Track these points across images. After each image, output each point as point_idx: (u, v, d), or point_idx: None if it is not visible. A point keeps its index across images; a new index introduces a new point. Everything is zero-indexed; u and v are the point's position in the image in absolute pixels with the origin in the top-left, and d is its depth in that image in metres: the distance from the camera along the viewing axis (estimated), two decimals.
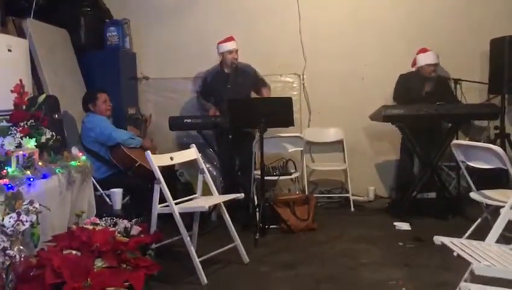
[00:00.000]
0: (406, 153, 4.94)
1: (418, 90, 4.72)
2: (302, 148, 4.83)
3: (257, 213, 4.25)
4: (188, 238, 3.27)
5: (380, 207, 5.02)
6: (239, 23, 5.31)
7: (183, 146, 5.12)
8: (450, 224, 4.30)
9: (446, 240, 2.34)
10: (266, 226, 4.20)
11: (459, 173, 4.75)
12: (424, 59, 4.78)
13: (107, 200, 3.89)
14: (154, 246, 3.27)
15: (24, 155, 2.77)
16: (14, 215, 2.11)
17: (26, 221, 2.14)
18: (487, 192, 3.44)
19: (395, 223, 4.32)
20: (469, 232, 3.45)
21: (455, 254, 3.26)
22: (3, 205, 2.24)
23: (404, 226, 4.27)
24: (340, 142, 5.34)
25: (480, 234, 3.20)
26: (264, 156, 4.27)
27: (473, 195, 3.46)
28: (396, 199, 5.08)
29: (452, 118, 4.48)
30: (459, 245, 2.32)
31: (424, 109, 4.34)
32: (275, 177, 4.74)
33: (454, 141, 3.60)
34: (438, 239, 2.37)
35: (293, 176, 4.88)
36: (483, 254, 2.21)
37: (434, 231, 3.79)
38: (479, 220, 3.49)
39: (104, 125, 4.25)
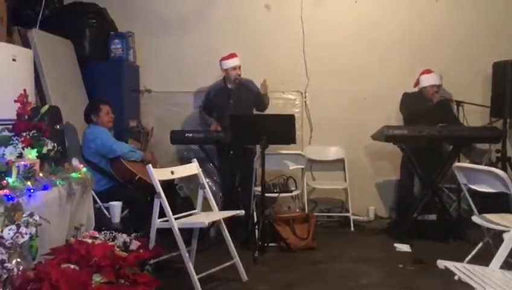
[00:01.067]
0: (406, 173, 4.93)
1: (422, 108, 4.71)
2: (303, 166, 4.81)
3: (256, 230, 4.21)
4: (187, 255, 3.23)
5: (380, 227, 4.99)
6: (242, 40, 5.33)
7: (184, 160, 5.11)
8: (451, 247, 4.27)
9: (449, 265, 2.31)
10: (265, 244, 4.16)
11: (460, 196, 4.74)
12: (428, 80, 4.80)
13: (106, 213, 3.85)
14: (152, 261, 3.23)
15: (25, 166, 2.74)
16: (13, 227, 2.08)
17: (26, 233, 2.11)
18: (489, 216, 3.42)
19: (395, 245, 4.29)
20: (470, 256, 3.42)
21: (456, 277, 3.23)
22: (2, 216, 2.21)
23: (404, 247, 4.24)
24: (341, 161, 5.33)
25: (481, 258, 3.18)
26: (265, 172, 4.25)
27: (475, 219, 3.44)
28: (397, 219, 5.05)
29: (454, 140, 4.47)
30: (462, 270, 2.29)
31: (426, 130, 4.34)
32: (275, 194, 4.71)
33: (457, 164, 3.60)
34: (442, 263, 2.34)
35: (293, 194, 4.86)
36: (488, 280, 2.18)
37: (434, 254, 3.81)
38: (480, 244, 3.47)
39: (105, 137, 4.23)
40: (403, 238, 4.37)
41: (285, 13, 5.41)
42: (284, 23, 5.41)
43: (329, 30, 5.41)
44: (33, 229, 2.20)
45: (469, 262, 3.10)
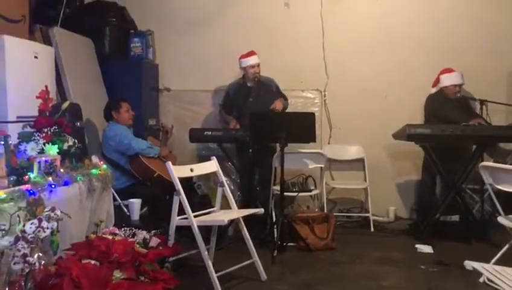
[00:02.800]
0: (428, 173, 4.84)
1: (449, 111, 4.59)
2: (322, 165, 4.75)
3: (275, 229, 4.17)
4: (206, 253, 3.21)
5: (401, 228, 4.90)
6: (262, 38, 5.29)
7: (202, 159, 5.09)
8: (474, 248, 4.17)
9: (478, 266, 2.24)
10: (284, 244, 4.11)
11: (483, 196, 4.63)
12: (450, 79, 4.71)
13: (125, 210, 3.86)
14: (171, 258, 3.21)
15: (46, 161, 2.76)
16: (35, 221, 2.08)
17: (47, 228, 2.11)
18: None
19: (416, 246, 4.20)
20: (496, 257, 3.33)
21: (481, 280, 3.16)
22: (24, 210, 2.21)
23: (426, 248, 4.15)
24: (360, 160, 5.25)
25: (506, 260, 3.09)
26: (284, 171, 4.21)
27: (501, 219, 3.35)
28: (418, 220, 4.96)
29: (478, 140, 4.37)
30: (492, 271, 2.22)
31: (449, 129, 4.25)
32: (294, 194, 4.66)
33: (483, 163, 3.49)
34: (469, 264, 2.27)
35: (312, 193, 4.80)
36: None
37: (457, 255, 3.73)
38: (506, 246, 3.38)
39: (124, 134, 4.26)
40: (425, 239, 4.29)
41: (304, 11, 5.36)
42: (304, 21, 5.35)
43: (349, 28, 5.35)
44: (54, 224, 2.20)
45: (495, 264, 3.01)
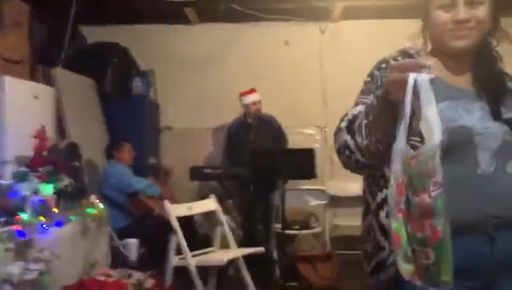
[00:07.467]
0: None
1: None
2: (325, 202, 4.68)
3: (277, 269, 4.06)
4: None
5: None
6: (262, 75, 5.31)
7: (204, 197, 5.03)
8: None
9: None
10: (286, 284, 3.99)
11: None
12: None
13: (122, 250, 3.78)
14: None
15: (40, 201, 2.72)
16: (21, 263, 2.02)
17: (35, 270, 2.05)
18: None
19: None
20: None
21: None
22: (12, 252, 2.16)
23: None
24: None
25: None
26: (285, 208, 4.13)
27: None
28: None
29: None
30: None
31: None
32: (296, 232, 4.57)
33: None
34: None
35: (315, 231, 4.71)
36: None
37: None
38: None
39: (124, 173, 4.27)
40: None
41: (304, 48, 5.40)
42: (303, 58, 5.39)
43: (349, 64, 5.32)
44: (43, 266, 2.14)
45: None
